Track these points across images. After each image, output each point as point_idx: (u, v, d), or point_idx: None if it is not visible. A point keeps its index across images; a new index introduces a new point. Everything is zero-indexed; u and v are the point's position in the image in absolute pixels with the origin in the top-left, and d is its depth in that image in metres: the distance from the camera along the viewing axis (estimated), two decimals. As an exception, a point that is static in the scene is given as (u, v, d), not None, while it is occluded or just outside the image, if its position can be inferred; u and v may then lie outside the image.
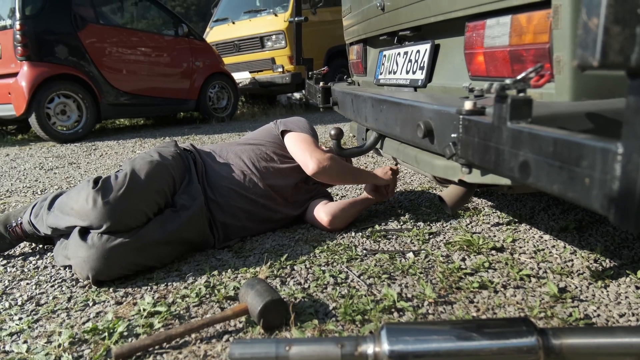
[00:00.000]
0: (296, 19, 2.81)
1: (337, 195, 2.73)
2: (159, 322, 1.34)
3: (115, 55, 5.41)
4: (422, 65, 1.59)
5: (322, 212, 2.06)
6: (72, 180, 3.52)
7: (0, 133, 6.13)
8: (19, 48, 4.58)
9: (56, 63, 4.80)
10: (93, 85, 5.07)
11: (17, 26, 4.57)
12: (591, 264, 1.65)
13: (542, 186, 0.75)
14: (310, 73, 2.72)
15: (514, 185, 1.80)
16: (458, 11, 1.35)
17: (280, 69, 7.41)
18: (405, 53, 1.74)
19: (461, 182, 1.31)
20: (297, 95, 9.42)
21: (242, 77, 7.80)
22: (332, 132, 1.79)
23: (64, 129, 5.04)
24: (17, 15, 4.59)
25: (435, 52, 1.56)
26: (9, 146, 5.19)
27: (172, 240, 1.72)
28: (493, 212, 2.26)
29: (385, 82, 1.92)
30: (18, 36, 4.56)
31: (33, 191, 3.20)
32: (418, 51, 1.63)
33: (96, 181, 1.62)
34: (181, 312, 1.42)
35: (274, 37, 7.36)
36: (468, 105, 0.99)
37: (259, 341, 0.98)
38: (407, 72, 1.70)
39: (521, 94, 0.84)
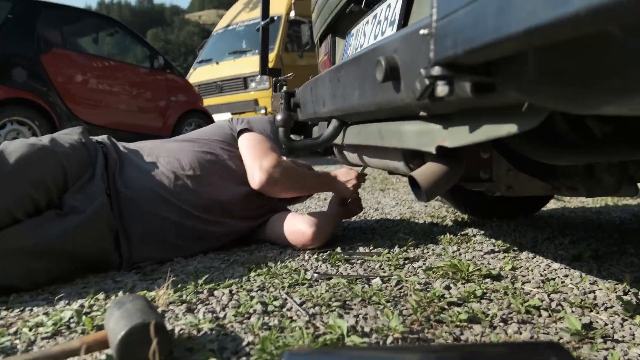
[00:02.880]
0: (262, 23, 2.47)
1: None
2: (-31, 359, 0.86)
3: (80, 83, 5.04)
4: (392, 19, 1.20)
5: (302, 223, 1.63)
6: None
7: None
8: (-29, 68, 4.22)
9: (12, 86, 4.42)
10: (52, 113, 4.67)
11: (-29, 45, 4.24)
12: (621, 295, 1.21)
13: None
14: (275, 79, 2.33)
15: (514, 185, 1.37)
16: None
17: (263, 111, 7.12)
18: (374, 17, 1.36)
19: (440, 152, 0.88)
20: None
21: (223, 119, 7.48)
22: (278, 118, 1.38)
23: (17, 159, 4.58)
24: (-28, 34, 4.27)
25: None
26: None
27: (50, 253, 1.25)
28: (486, 240, 1.81)
29: (350, 62, 1.53)
30: (-29, 55, 4.22)
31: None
32: (389, 5, 1.25)
33: None
34: (20, 345, 0.93)
35: (257, 78, 7.12)
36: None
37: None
38: (375, 37, 1.31)
39: None
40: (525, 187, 1.28)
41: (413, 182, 0.97)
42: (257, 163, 1.60)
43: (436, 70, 0.60)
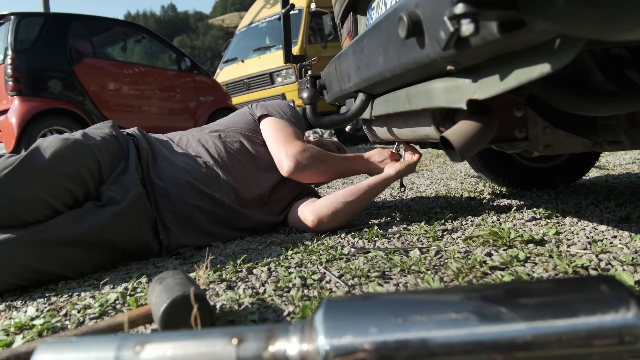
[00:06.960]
0: (282, 10, 2.46)
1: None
2: (22, 339, 0.89)
3: (113, 90, 5.19)
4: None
5: (307, 211, 1.61)
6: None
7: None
8: (10, 83, 4.38)
9: (49, 97, 4.58)
10: (89, 121, 4.83)
11: (9, 60, 4.40)
12: (676, 251, 1.15)
13: None
14: (299, 65, 2.33)
15: (552, 144, 1.30)
16: None
17: (290, 105, 7.13)
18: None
19: (471, 107, 0.85)
20: (309, 133, 9.13)
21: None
22: (305, 95, 1.37)
23: (58, 167, 4.75)
24: (9, 49, 4.43)
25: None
26: None
27: (91, 242, 1.28)
28: (527, 209, 1.76)
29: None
30: (9, 70, 4.37)
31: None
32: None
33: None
34: (70, 326, 0.96)
35: (283, 72, 7.14)
36: None
37: (90, 340, 0.52)
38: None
39: None
40: (564, 145, 1.23)
41: (446, 143, 0.95)
42: (282, 151, 1.60)
43: (460, 8, 0.58)
